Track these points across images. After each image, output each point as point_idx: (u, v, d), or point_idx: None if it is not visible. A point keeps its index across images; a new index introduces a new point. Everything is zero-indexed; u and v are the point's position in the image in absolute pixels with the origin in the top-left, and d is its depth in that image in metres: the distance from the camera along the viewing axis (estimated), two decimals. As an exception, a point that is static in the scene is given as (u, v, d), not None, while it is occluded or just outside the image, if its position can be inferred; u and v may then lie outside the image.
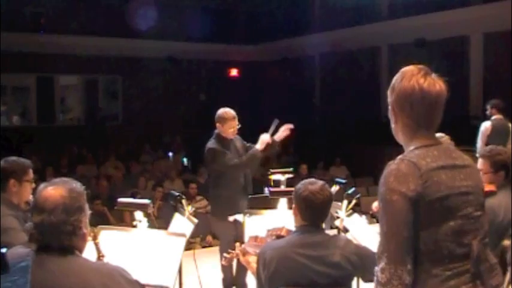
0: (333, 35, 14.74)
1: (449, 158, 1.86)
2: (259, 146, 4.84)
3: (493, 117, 7.78)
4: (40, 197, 1.91)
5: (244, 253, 3.20)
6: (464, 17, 11.94)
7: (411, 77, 1.87)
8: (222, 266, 4.63)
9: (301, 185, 2.82)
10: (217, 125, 4.89)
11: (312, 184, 2.79)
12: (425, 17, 12.44)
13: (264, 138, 4.85)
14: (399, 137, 1.96)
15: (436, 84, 1.86)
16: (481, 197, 1.89)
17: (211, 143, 4.87)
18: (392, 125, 1.96)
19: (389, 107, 1.94)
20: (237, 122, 4.88)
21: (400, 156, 1.86)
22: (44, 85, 15.92)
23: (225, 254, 3.40)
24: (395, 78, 1.93)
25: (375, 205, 4.06)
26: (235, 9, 17.85)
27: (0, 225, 2.94)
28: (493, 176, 3.55)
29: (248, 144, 5.06)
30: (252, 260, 3.10)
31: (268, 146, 4.88)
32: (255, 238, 3.19)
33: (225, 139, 4.88)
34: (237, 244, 3.35)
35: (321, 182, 2.84)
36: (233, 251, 3.31)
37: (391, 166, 1.81)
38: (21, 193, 3.19)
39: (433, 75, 1.89)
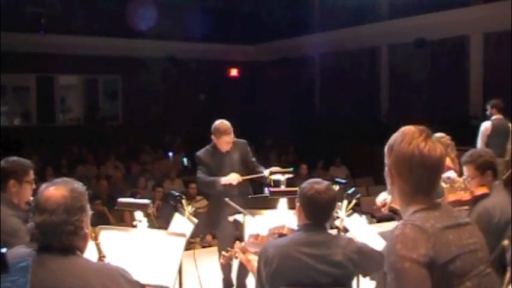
0: (333, 35, 14.74)
1: (452, 217, 1.79)
2: (223, 180, 4.76)
3: (493, 117, 7.79)
4: (42, 197, 1.90)
5: (244, 251, 3.19)
6: (464, 17, 11.94)
7: (411, 140, 1.77)
8: (222, 265, 4.63)
9: (306, 184, 2.85)
10: (212, 136, 4.87)
11: (318, 183, 2.82)
12: (425, 17, 12.43)
13: (232, 177, 4.76)
14: (395, 199, 1.87)
15: (437, 148, 1.77)
16: (487, 253, 1.83)
17: (201, 151, 4.92)
18: (389, 186, 1.87)
19: (386, 168, 1.84)
20: (232, 136, 4.84)
21: (401, 221, 1.76)
22: (44, 85, 15.93)
23: (223, 252, 3.40)
24: (394, 138, 1.83)
25: (379, 200, 4.04)
26: (235, 9, 17.83)
27: (5, 226, 2.93)
28: (481, 178, 3.55)
29: (252, 160, 5.03)
30: (252, 258, 3.09)
31: (238, 183, 4.80)
32: (256, 236, 3.18)
33: (219, 150, 4.88)
34: (237, 242, 3.35)
35: (326, 182, 2.87)
36: (232, 249, 3.31)
37: (395, 232, 1.71)
38: (21, 194, 3.17)
39: (434, 138, 1.80)
